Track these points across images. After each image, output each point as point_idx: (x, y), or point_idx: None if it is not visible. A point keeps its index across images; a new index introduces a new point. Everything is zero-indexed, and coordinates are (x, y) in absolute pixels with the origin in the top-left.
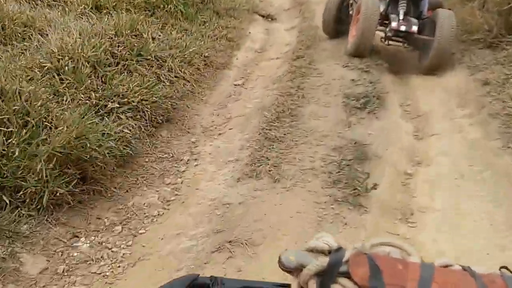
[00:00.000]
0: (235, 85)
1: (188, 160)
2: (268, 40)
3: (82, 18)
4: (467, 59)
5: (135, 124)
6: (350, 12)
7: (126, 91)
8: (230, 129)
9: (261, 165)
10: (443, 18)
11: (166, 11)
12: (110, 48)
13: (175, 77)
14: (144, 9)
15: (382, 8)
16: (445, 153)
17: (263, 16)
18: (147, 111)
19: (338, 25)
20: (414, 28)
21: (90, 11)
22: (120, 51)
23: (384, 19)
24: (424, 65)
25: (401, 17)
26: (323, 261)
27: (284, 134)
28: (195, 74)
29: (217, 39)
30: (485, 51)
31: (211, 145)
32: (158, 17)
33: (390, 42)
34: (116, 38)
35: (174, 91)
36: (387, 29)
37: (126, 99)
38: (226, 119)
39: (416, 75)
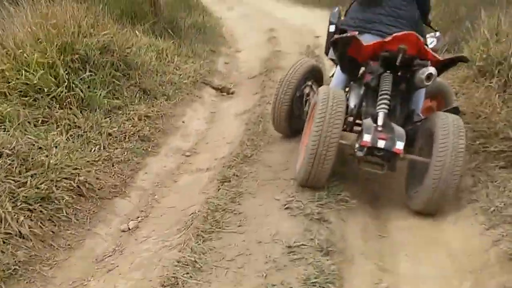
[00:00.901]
0: (122, 231)
1: None
2: (207, 134)
3: None
4: (482, 192)
5: None
6: (305, 108)
7: None
8: None
9: None
10: (445, 133)
11: (54, 97)
12: None
13: (5, 233)
14: (24, 94)
15: (352, 103)
16: None
17: (217, 90)
18: None
19: (293, 121)
20: (399, 146)
21: None
22: None
23: (356, 119)
24: (414, 205)
25: (379, 122)
26: None
27: None
28: (48, 221)
29: (124, 138)
30: (510, 175)
31: None
32: (41, 106)
33: (362, 165)
34: None
35: None
36: (357, 144)
37: None
38: None
39: (401, 216)
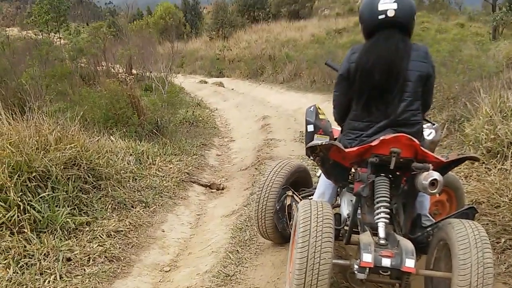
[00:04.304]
0: None
1: None
2: (190, 243)
3: None
4: None
5: None
6: (290, 222)
7: None
8: None
9: None
10: (464, 247)
11: (4, 223)
12: None
13: None
14: None
15: (345, 212)
16: None
17: (205, 187)
18: None
19: (281, 226)
20: (410, 263)
21: None
22: None
23: (353, 228)
24: None
25: (381, 234)
26: None
27: None
28: None
29: (88, 261)
30: None
31: None
32: None
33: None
34: None
35: None
36: (355, 265)
37: None
38: None
39: None
